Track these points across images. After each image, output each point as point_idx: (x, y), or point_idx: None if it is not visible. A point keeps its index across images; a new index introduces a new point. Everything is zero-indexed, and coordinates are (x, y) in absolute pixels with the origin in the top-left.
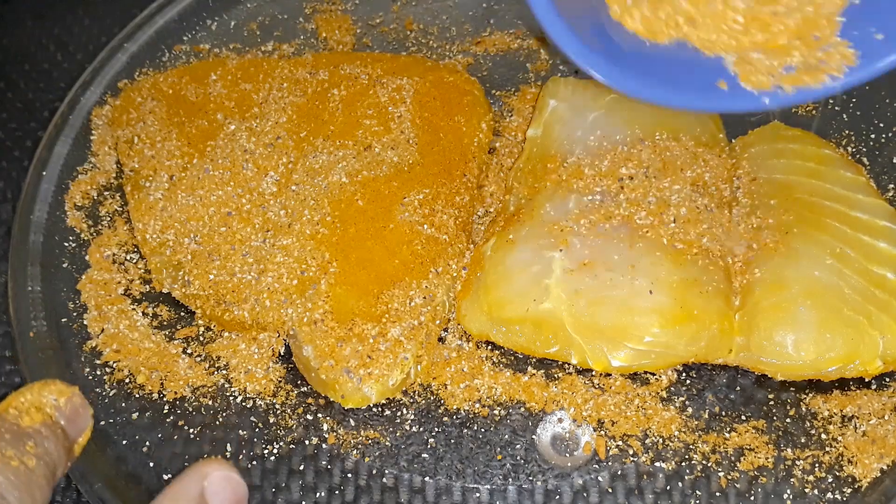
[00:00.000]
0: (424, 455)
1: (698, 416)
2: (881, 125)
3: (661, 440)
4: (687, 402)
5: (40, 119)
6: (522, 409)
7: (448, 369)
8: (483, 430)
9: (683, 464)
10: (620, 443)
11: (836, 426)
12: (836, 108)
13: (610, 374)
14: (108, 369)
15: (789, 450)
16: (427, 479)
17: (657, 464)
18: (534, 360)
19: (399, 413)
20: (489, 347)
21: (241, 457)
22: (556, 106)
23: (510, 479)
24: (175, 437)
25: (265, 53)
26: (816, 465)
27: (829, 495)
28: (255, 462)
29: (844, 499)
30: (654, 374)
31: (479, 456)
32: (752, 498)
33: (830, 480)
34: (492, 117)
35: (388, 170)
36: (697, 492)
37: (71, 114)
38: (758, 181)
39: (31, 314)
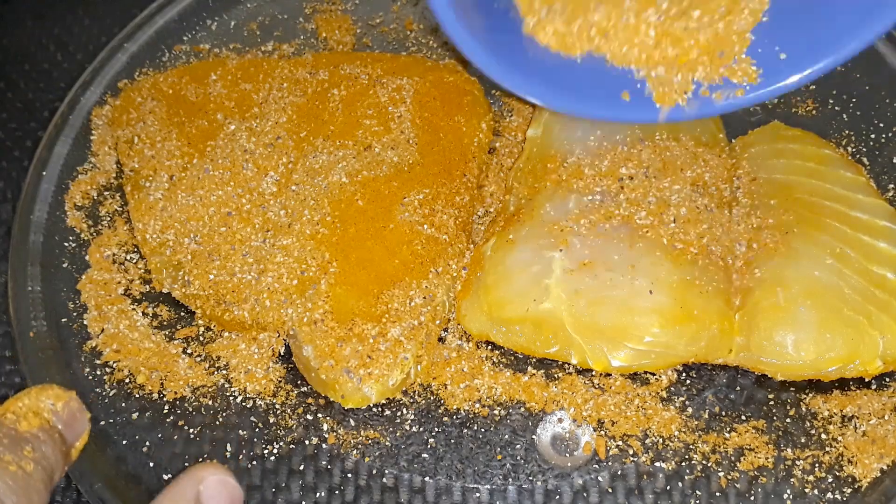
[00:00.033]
0: (424, 455)
1: (698, 416)
2: (881, 125)
3: (661, 440)
4: (687, 402)
5: (40, 119)
6: (522, 409)
7: (448, 369)
8: (483, 430)
9: (683, 464)
10: (620, 443)
11: (836, 426)
12: (836, 108)
13: (610, 374)
14: (108, 369)
15: (789, 450)
16: (427, 479)
17: (657, 464)
18: (534, 360)
19: (399, 413)
20: (489, 347)
21: (241, 457)
22: None
23: (510, 479)
24: (175, 437)
25: (265, 53)
26: (816, 465)
27: (829, 495)
28: (255, 462)
29: (844, 499)
30: (654, 374)
31: (479, 456)
32: (752, 498)
33: (830, 480)
34: (492, 117)
35: (388, 170)
36: (697, 492)
37: (71, 114)
38: (758, 181)
39: (31, 314)
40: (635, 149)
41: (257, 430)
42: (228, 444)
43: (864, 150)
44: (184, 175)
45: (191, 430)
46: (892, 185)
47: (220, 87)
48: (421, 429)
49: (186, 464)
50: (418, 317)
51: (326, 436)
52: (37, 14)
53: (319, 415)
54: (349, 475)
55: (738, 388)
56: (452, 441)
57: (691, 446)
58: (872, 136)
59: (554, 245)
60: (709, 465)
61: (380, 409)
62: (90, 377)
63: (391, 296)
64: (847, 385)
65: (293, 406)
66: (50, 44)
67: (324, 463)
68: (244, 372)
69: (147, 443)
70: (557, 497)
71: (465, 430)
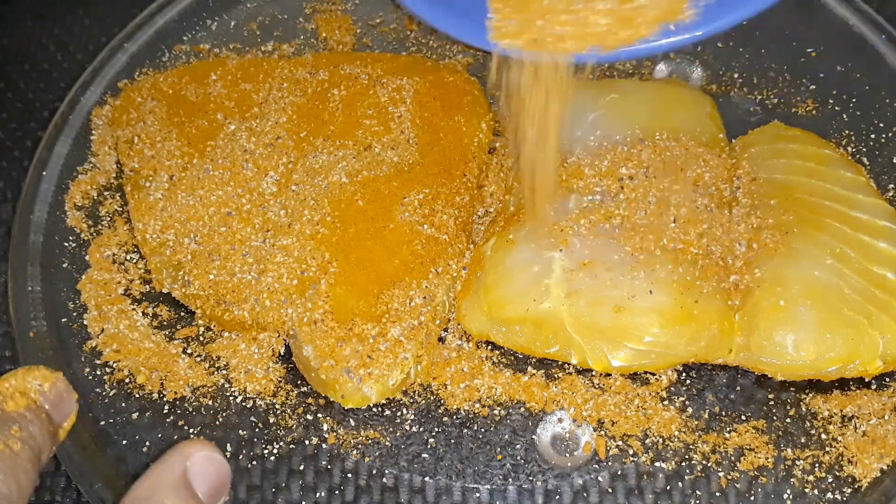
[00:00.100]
0: (424, 455)
1: (698, 416)
2: (881, 125)
3: (661, 440)
4: (687, 402)
5: (40, 119)
6: (522, 409)
7: (448, 369)
8: (483, 430)
9: (683, 464)
10: (620, 443)
11: (836, 426)
12: (836, 108)
13: (610, 374)
14: (108, 369)
15: (789, 450)
16: (427, 479)
17: (657, 464)
18: (534, 360)
19: (399, 413)
20: (489, 347)
21: (241, 457)
22: None
23: (510, 479)
24: (175, 437)
25: (265, 53)
26: (816, 465)
27: (829, 495)
28: (255, 462)
29: (844, 499)
30: (654, 374)
31: (479, 456)
32: (752, 498)
33: (830, 480)
34: (492, 117)
35: (388, 170)
36: (697, 492)
37: (71, 114)
38: (758, 181)
39: (31, 314)
40: (635, 149)
41: (257, 430)
42: (228, 444)
43: (864, 150)
44: (184, 175)
45: (191, 430)
46: (892, 185)
47: (220, 87)
48: (421, 429)
49: None
50: (418, 317)
51: (326, 436)
52: (37, 14)
53: (319, 415)
54: (349, 475)
55: (738, 388)
56: (452, 441)
57: (691, 446)
58: (872, 136)
59: (554, 245)
60: (709, 465)
61: (380, 409)
62: (90, 377)
63: (391, 296)
64: (847, 385)
65: (293, 406)
66: (50, 44)
67: (324, 463)
68: (244, 372)
69: (147, 443)
70: (557, 497)
71: (465, 430)
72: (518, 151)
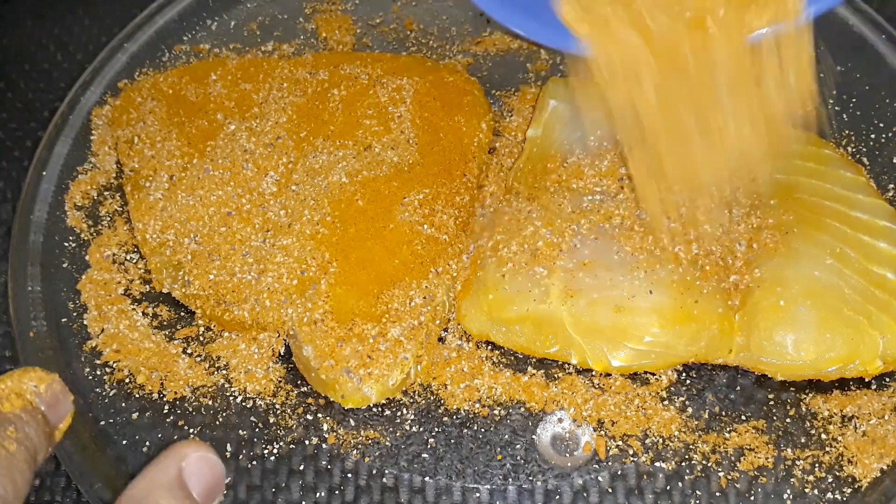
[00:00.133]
0: (424, 455)
1: (698, 416)
2: (881, 125)
3: (661, 440)
4: (687, 402)
5: (40, 119)
6: (522, 409)
7: (448, 369)
8: (483, 430)
9: (683, 464)
10: (620, 443)
11: (836, 426)
12: (836, 108)
13: (610, 374)
14: (108, 369)
15: (789, 450)
16: (427, 479)
17: (657, 464)
18: (534, 360)
19: (399, 413)
20: (489, 347)
21: (241, 457)
22: (556, 106)
23: (510, 479)
24: (175, 437)
25: (265, 53)
26: (816, 465)
27: (829, 495)
28: (255, 462)
29: (844, 499)
30: (654, 374)
31: (479, 456)
32: (752, 498)
33: (830, 480)
34: (492, 117)
35: (388, 170)
36: (697, 492)
37: (71, 114)
38: (758, 181)
39: (31, 314)
40: None
41: (257, 430)
42: (228, 444)
43: (864, 150)
44: (184, 175)
45: (191, 430)
46: (892, 185)
47: (220, 87)
48: (421, 429)
49: None
50: (418, 317)
51: (326, 436)
52: (37, 14)
53: (319, 415)
54: (349, 475)
55: (738, 388)
56: (452, 441)
57: (691, 446)
58: (872, 136)
59: (555, 245)
60: (709, 465)
61: (380, 409)
62: (90, 377)
63: (391, 296)
64: (847, 385)
65: (293, 406)
66: (50, 44)
67: (324, 463)
68: (244, 372)
69: (147, 443)
70: (557, 497)
71: (465, 430)
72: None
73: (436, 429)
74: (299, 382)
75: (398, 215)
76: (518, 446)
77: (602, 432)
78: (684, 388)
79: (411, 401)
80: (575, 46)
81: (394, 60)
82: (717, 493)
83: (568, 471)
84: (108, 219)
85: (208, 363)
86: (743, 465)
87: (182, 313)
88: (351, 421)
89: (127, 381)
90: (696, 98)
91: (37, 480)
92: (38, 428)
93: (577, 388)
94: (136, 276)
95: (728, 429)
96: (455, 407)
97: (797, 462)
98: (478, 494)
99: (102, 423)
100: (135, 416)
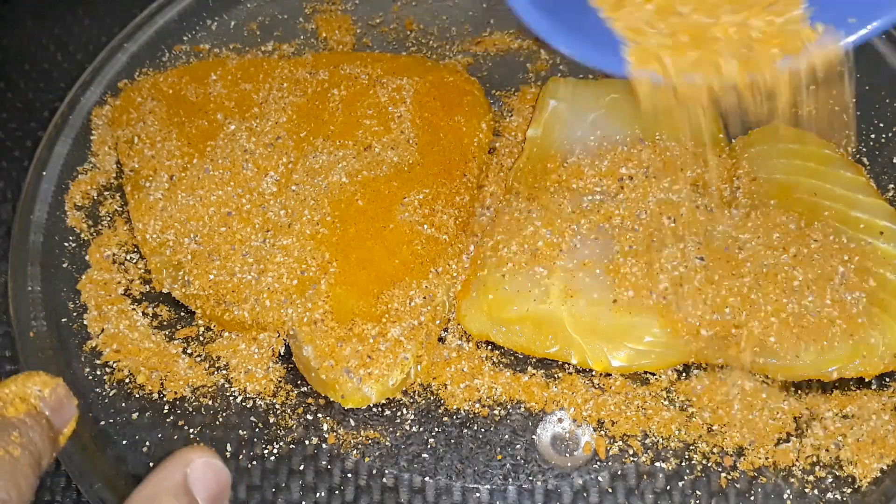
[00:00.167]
0: (424, 455)
1: (698, 416)
2: (881, 125)
3: (661, 440)
4: (687, 402)
5: (40, 119)
6: (522, 409)
7: (448, 369)
8: (483, 430)
9: (683, 464)
10: (620, 443)
11: (836, 426)
12: (837, 108)
13: (610, 374)
14: (108, 369)
15: (789, 450)
16: (427, 479)
17: (657, 464)
18: (534, 360)
19: (399, 413)
20: (489, 347)
21: (241, 457)
22: (556, 106)
23: (510, 479)
24: (175, 437)
25: (265, 53)
26: (816, 465)
27: (829, 495)
28: (255, 462)
29: (844, 499)
30: (654, 374)
31: (479, 456)
32: (752, 498)
33: (830, 480)
34: (492, 117)
35: (388, 170)
36: (697, 492)
37: (71, 114)
38: (758, 181)
39: (31, 314)
40: (635, 149)
41: (257, 430)
42: (228, 444)
43: (864, 150)
44: (184, 175)
45: (191, 430)
46: (892, 185)
47: (220, 87)
48: (421, 429)
49: None
50: (418, 317)
51: (326, 436)
52: (37, 14)
53: (319, 415)
54: (349, 475)
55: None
56: (452, 441)
57: (691, 446)
58: (872, 136)
59: (555, 245)
60: (709, 465)
61: (380, 409)
62: (90, 377)
63: (391, 296)
64: (847, 385)
65: (293, 406)
66: (50, 44)
67: (324, 463)
68: (244, 372)
69: (147, 443)
70: (557, 497)
71: (465, 430)
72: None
73: (436, 429)
74: (299, 382)
75: (398, 215)
76: (518, 446)
77: (602, 432)
78: (684, 388)
79: (411, 401)
80: (625, 72)
81: (394, 60)
82: (717, 493)
83: (568, 471)
84: (108, 219)
85: (208, 363)
86: (743, 465)
87: (182, 313)
88: (351, 421)
89: (127, 381)
90: None
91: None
92: (42, 433)
93: (577, 388)
94: (136, 276)
95: (728, 429)
96: (455, 407)
97: (797, 462)
98: (478, 494)
99: (102, 423)
100: (135, 416)
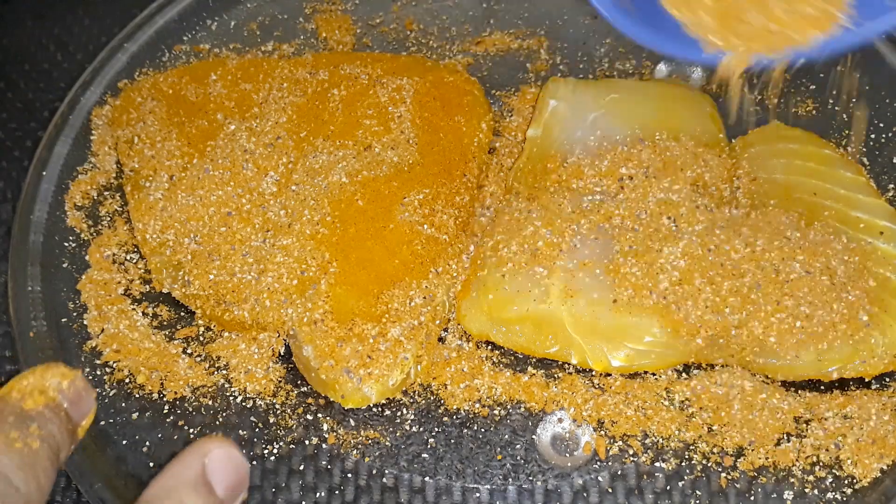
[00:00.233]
0: (424, 455)
1: (698, 416)
2: (881, 125)
3: (661, 440)
4: (687, 402)
5: (40, 119)
6: (522, 409)
7: (448, 369)
8: (483, 430)
9: (683, 464)
10: (620, 443)
11: (836, 426)
12: (836, 108)
13: (610, 374)
14: (108, 369)
15: (789, 449)
16: (427, 479)
17: (657, 464)
18: (534, 360)
19: (399, 413)
20: (489, 347)
21: None
22: (556, 106)
23: (510, 479)
24: (175, 437)
25: (265, 53)
26: (816, 465)
27: (829, 495)
28: (255, 462)
29: (844, 499)
30: (654, 374)
31: (479, 456)
32: (752, 498)
33: (830, 480)
34: (492, 117)
35: (388, 170)
36: (697, 492)
37: (71, 114)
38: (758, 181)
39: (31, 314)
40: (635, 149)
41: (257, 430)
42: None
43: (864, 150)
44: (184, 175)
45: (191, 430)
46: (892, 185)
47: (220, 87)
48: (421, 429)
49: None
50: (418, 317)
51: (326, 436)
52: (37, 14)
53: (319, 415)
54: (349, 475)
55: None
56: (452, 441)
57: (691, 446)
58: (872, 136)
59: (555, 245)
60: (709, 465)
61: (380, 409)
62: (90, 377)
63: (391, 296)
64: (847, 385)
65: (293, 406)
66: (50, 44)
67: (324, 463)
68: (244, 372)
69: (147, 443)
70: (557, 497)
71: (465, 430)
72: None
73: (436, 429)
74: (299, 382)
75: (398, 215)
76: (518, 446)
77: (602, 432)
78: (684, 388)
79: (411, 401)
80: (702, 56)
81: (394, 60)
82: (717, 493)
83: (568, 471)
84: (108, 219)
85: (208, 363)
86: (743, 465)
87: (182, 313)
88: (351, 421)
89: (127, 381)
90: None
91: None
92: (61, 425)
93: (577, 388)
94: (136, 276)
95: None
96: (455, 407)
97: (797, 462)
98: (478, 494)
99: (102, 423)
100: (135, 416)
